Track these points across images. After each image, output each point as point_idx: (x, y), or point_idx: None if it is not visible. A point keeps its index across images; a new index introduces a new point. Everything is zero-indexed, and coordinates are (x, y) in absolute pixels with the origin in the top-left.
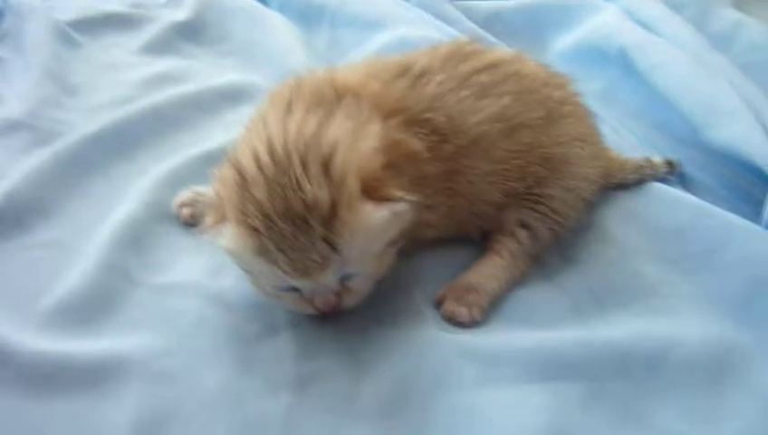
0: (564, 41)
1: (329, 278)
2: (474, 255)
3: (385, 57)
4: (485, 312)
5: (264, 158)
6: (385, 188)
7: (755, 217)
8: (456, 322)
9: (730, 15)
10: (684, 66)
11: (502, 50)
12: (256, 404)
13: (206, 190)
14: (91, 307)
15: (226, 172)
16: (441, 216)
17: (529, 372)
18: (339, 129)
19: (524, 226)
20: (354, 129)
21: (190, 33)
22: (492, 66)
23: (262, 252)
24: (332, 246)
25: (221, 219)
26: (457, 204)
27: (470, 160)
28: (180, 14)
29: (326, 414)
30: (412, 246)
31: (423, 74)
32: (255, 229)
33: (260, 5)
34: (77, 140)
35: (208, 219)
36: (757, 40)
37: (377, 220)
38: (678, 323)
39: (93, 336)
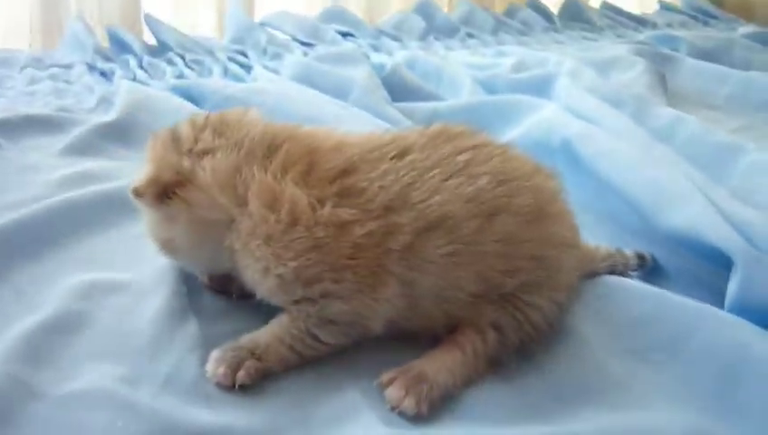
0: (506, 137)
1: None
2: (409, 343)
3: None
4: (435, 408)
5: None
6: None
7: (717, 307)
8: (399, 411)
9: (668, 112)
10: (629, 154)
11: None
12: None
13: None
14: None
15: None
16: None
17: None
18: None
19: (497, 328)
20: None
21: (118, 135)
22: (477, 147)
23: None
24: None
25: None
26: (413, 290)
27: (427, 241)
28: (108, 117)
29: None
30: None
31: (401, 154)
32: None
33: (193, 107)
34: None
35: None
36: (696, 134)
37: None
38: (647, 417)
39: None
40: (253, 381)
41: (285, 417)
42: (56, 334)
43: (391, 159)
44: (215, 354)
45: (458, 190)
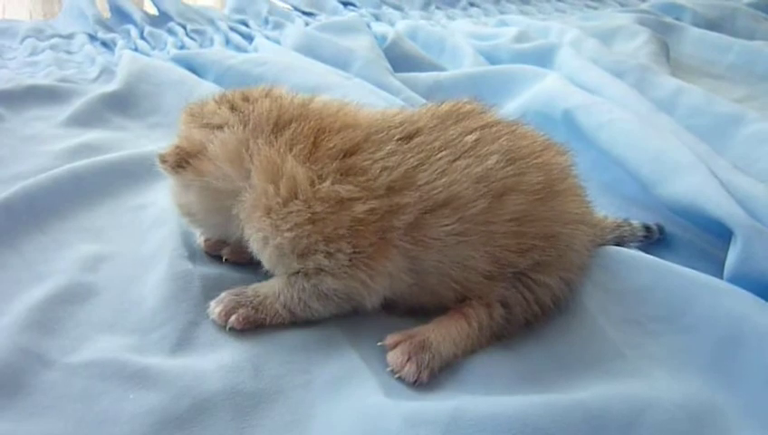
0: (507, 108)
1: None
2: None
3: (393, 111)
4: (434, 376)
5: None
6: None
7: (716, 276)
8: (399, 377)
9: (670, 82)
10: (630, 124)
11: (499, 114)
12: None
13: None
14: None
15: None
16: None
17: None
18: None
19: (504, 305)
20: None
21: (120, 106)
22: (485, 126)
23: None
24: None
25: None
26: (418, 266)
27: (432, 219)
28: (110, 87)
29: None
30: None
31: (408, 137)
32: None
33: (195, 77)
34: None
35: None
36: (698, 104)
37: (171, 179)
38: (649, 385)
39: None
40: (243, 327)
41: (289, 380)
42: (64, 305)
43: (398, 140)
44: (222, 295)
45: (466, 171)
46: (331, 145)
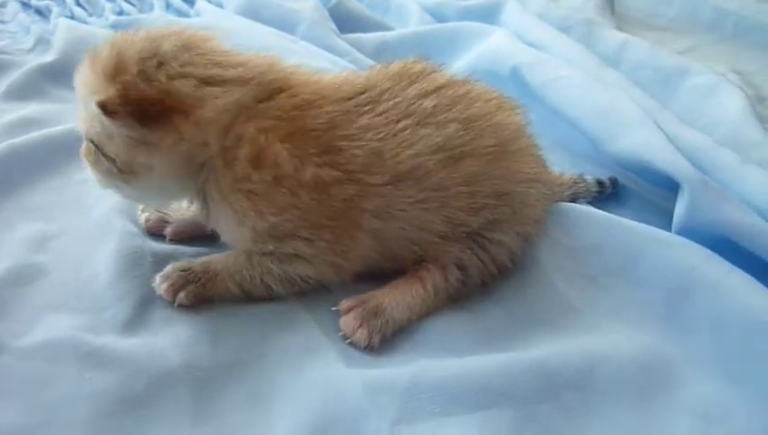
0: (455, 66)
1: None
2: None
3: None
4: (386, 341)
5: None
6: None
7: (665, 228)
8: (350, 342)
9: (615, 36)
10: (578, 81)
11: (449, 72)
12: None
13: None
14: None
15: None
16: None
17: (454, 403)
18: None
19: (460, 268)
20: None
21: (58, 76)
22: (440, 88)
23: None
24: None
25: None
26: (384, 235)
27: (397, 191)
28: (48, 58)
29: None
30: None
31: (373, 106)
32: None
33: None
34: None
35: None
36: (643, 58)
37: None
38: (602, 340)
39: None
40: (192, 303)
41: (248, 352)
42: (12, 287)
43: (365, 113)
44: (166, 269)
45: (428, 141)
46: (312, 123)
